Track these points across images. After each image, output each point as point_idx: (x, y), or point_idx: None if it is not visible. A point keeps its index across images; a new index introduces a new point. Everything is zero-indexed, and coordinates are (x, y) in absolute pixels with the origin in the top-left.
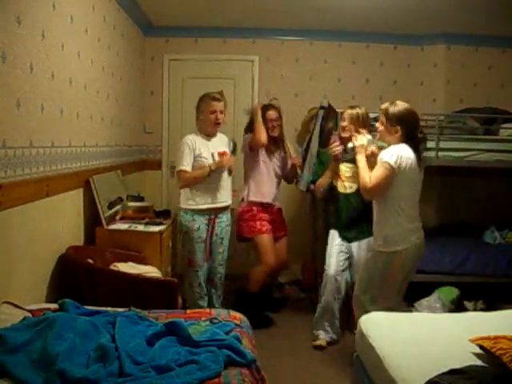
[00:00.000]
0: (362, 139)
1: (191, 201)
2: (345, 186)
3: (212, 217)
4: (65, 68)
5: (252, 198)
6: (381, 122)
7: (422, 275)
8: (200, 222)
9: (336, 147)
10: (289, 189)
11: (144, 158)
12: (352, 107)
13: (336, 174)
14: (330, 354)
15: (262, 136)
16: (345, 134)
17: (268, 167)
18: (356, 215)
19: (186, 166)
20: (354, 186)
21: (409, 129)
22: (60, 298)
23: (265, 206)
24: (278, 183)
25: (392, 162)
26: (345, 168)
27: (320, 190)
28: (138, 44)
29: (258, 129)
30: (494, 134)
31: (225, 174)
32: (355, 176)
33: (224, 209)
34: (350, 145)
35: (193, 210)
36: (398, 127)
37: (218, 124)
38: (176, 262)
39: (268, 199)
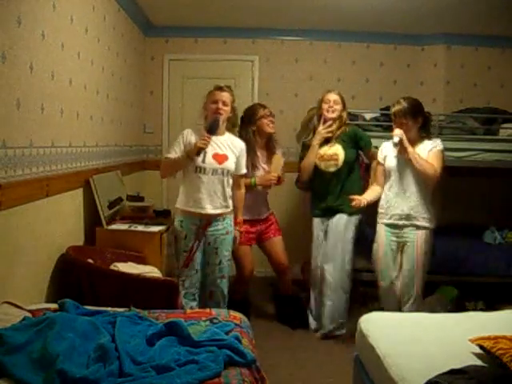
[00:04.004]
0: (401, 131)
1: (180, 200)
2: (329, 165)
3: (202, 223)
4: (65, 68)
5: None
6: (401, 123)
7: None
8: (188, 230)
9: (329, 128)
10: (288, 189)
11: (144, 158)
12: (330, 91)
13: (320, 155)
14: (330, 353)
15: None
16: (332, 115)
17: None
18: (335, 194)
19: (170, 153)
20: (339, 163)
21: (424, 114)
22: (60, 298)
23: (250, 220)
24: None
25: (443, 149)
26: (327, 147)
27: (305, 171)
28: (138, 44)
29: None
30: (493, 134)
31: (214, 177)
32: (337, 154)
33: (217, 216)
34: (396, 139)
35: (182, 212)
36: (420, 118)
37: (219, 114)
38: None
39: (256, 215)
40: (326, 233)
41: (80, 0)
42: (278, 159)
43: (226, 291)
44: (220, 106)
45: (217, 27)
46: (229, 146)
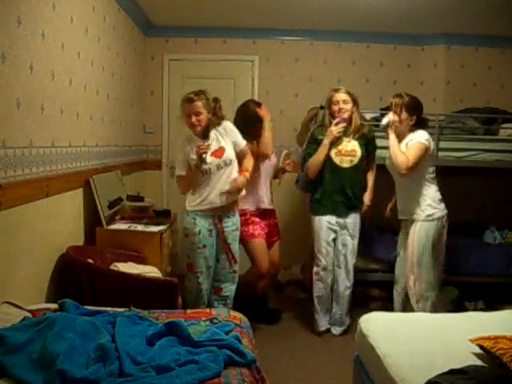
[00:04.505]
0: (395, 118)
1: (191, 201)
2: (345, 161)
3: (216, 221)
4: (65, 68)
5: (246, 206)
6: (396, 114)
7: None
8: (201, 226)
9: (341, 128)
10: (288, 189)
11: (144, 158)
12: (337, 89)
13: (337, 150)
14: (330, 353)
15: (271, 148)
16: (344, 116)
17: (265, 169)
18: (349, 190)
19: (180, 170)
20: (355, 160)
21: (420, 115)
22: (60, 298)
23: (260, 211)
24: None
25: (425, 142)
26: (346, 143)
27: (314, 169)
28: (138, 44)
29: (269, 140)
30: (493, 134)
31: (220, 172)
32: (355, 151)
33: (227, 211)
34: (384, 120)
35: (194, 212)
36: (414, 116)
37: (195, 126)
38: (176, 262)
39: (265, 205)
40: (338, 232)
41: (80, 0)
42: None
43: (233, 289)
44: (193, 119)
45: (217, 27)
46: (220, 135)
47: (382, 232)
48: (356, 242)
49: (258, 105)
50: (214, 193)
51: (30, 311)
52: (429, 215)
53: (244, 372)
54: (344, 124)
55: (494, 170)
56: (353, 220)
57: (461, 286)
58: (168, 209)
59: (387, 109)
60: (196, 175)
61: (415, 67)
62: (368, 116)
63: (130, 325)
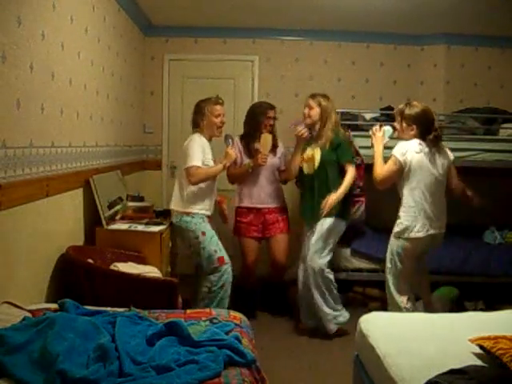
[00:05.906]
0: (377, 132)
1: (200, 206)
2: (306, 167)
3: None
4: (65, 68)
5: (241, 204)
6: (397, 122)
7: None
8: (206, 224)
9: (302, 129)
10: (289, 189)
11: (144, 158)
12: (314, 95)
13: (302, 157)
14: (330, 353)
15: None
16: (309, 121)
17: (263, 169)
18: (309, 198)
19: (198, 161)
20: (313, 167)
21: (423, 127)
22: (60, 298)
23: (253, 209)
24: (279, 181)
25: (399, 156)
26: (309, 150)
27: (293, 170)
28: (138, 44)
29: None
30: (493, 134)
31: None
32: (314, 158)
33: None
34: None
35: (199, 215)
36: (414, 126)
37: (221, 127)
38: (176, 262)
39: (258, 204)
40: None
41: (80, 0)
42: (265, 138)
43: None
44: (224, 119)
45: (217, 27)
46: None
47: (381, 232)
48: (317, 238)
49: (271, 107)
50: (213, 198)
51: (30, 311)
52: (395, 227)
53: (244, 372)
54: (298, 127)
55: (494, 169)
56: (321, 223)
57: (461, 285)
58: (168, 209)
59: (387, 109)
60: (220, 172)
61: (415, 67)
62: (368, 116)
63: (130, 325)
